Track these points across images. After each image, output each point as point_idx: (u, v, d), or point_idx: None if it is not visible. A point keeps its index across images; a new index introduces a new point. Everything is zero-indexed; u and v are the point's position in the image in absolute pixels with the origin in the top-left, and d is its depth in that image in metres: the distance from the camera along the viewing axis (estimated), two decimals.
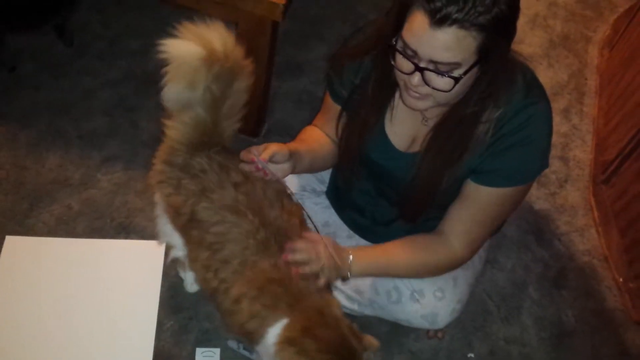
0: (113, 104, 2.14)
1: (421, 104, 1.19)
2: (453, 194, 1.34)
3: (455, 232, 1.34)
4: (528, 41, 2.60)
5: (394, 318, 1.51)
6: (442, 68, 1.08)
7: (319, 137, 1.48)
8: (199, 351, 1.62)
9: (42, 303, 1.67)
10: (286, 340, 1.22)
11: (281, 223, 1.31)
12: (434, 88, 1.12)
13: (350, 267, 1.32)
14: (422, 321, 1.46)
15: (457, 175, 1.29)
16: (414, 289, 1.45)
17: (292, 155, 1.33)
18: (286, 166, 1.32)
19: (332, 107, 1.44)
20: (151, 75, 2.23)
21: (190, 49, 1.24)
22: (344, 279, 1.34)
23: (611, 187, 2.02)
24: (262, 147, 1.30)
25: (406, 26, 1.08)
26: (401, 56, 1.12)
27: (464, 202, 1.32)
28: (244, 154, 1.30)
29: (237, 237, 1.30)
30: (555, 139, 2.23)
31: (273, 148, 1.29)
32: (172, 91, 1.27)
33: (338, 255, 1.30)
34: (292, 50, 2.41)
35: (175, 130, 1.36)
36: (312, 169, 1.49)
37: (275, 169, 1.30)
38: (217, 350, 1.62)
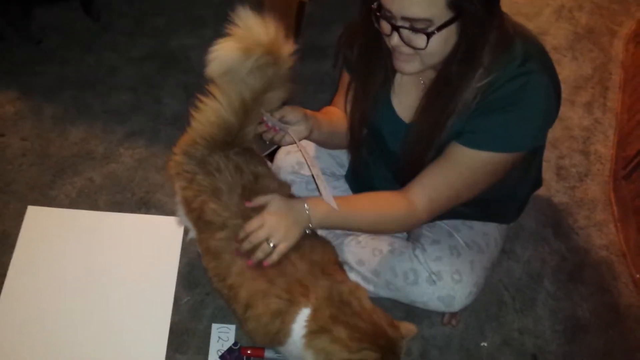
0: (137, 81, 2.16)
1: (409, 67, 1.23)
2: None
3: (421, 186, 1.31)
4: (553, 33, 2.58)
5: (409, 300, 1.51)
6: (417, 25, 1.13)
7: (338, 112, 1.50)
8: (215, 327, 1.63)
9: (61, 273, 1.70)
10: (315, 330, 1.20)
11: None
12: (411, 46, 1.16)
13: (310, 219, 1.28)
14: (438, 303, 1.47)
15: (443, 141, 1.28)
16: (432, 270, 1.46)
17: (308, 119, 1.34)
18: (302, 128, 1.34)
19: (346, 80, 1.47)
20: (175, 53, 2.25)
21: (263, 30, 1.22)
22: (307, 229, 1.31)
23: (632, 183, 2.00)
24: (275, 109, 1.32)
25: None
26: (382, 19, 1.18)
27: (439, 161, 1.30)
28: None
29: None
30: (576, 132, 2.24)
31: (285, 108, 1.31)
32: (230, 48, 1.20)
33: (292, 211, 1.27)
34: (315, 33, 2.40)
35: (201, 124, 1.34)
36: (332, 141, 1.49)
37: (290, 130, 1.32)
38: (233, 327, 1.63)
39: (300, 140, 1.35)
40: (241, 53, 1.20)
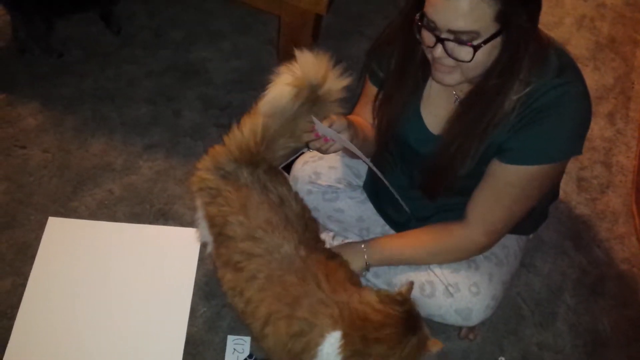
0: (156, 93, 2.18)
1: (449, 79, 1.22)
2: (481, 176, 1.33)
3: (475, 213, 1.33)
4: (574, 42, 2.55)
5: (426, 313, 1.50)
6: (462, 37, 1.12)
7: (364, 121, 1.50)
8: (231, 339, 1.64)
9: (80, 283, 1.72)
10: (352, 355, 1.22)
11: (303, 239, 1.33)
12: (455, 59, 1.15)
13: (367, 256, 1.36)
14: (455, 316, 1.45)
15: (481, 153, 1.28)
16: (449, 282, 1.44)
17: (350, 126, 1.33)
18: (345, 136, 1.32)
19: (370, 90, 1.46)
20: (193, 65, 2.28)
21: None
22: (366, 269, 1.38)
23: None
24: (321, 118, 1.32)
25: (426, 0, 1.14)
26: (425, 30, 1.16)
27: (486, 182, 1.32)
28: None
29: (261, 253, 1.31)
30: (598, 143, 2.21)
31: (332, 116, 1.30)
32: (281, 89, 1.24)
33: (349, 247, 1.36)
34: (333, 45, 2.41)
35: (241, 134, 1.37)
36: (363, 148, 1.49)
37: (338, 140, 1.31)
38: (248, 339, 1.63)
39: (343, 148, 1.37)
40: (292, 95, 1.23)
